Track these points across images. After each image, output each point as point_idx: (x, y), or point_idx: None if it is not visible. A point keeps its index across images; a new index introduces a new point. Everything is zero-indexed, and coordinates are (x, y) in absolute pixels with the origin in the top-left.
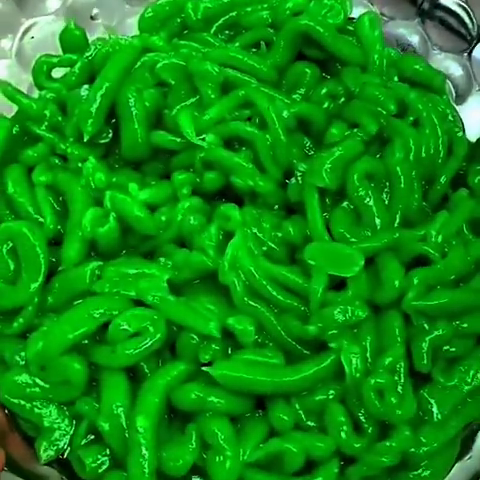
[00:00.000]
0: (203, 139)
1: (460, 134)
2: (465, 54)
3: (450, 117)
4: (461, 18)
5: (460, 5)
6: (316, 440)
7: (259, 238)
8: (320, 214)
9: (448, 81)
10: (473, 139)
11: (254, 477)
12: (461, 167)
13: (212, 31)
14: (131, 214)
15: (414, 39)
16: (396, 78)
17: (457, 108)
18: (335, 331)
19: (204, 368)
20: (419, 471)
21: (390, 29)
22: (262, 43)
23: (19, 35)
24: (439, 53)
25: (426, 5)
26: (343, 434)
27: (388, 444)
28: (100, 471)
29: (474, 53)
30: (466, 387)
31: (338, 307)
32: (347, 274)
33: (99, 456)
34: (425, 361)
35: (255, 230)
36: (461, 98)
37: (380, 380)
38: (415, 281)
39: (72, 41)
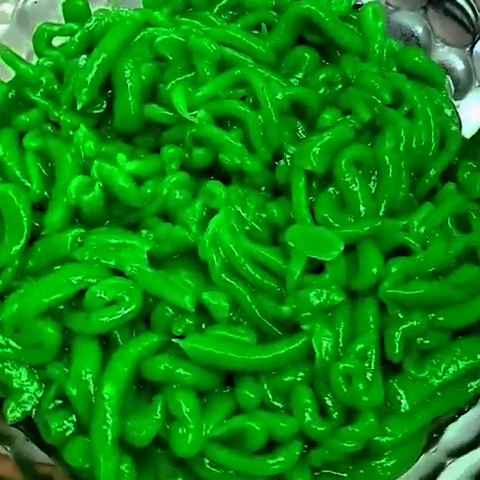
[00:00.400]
0: (195, 115)
1: (454, 129)
2: (467, 49)
3: (447, 112)
4: (465, 11)
5: None
6: (280, 420)
7: (242, 217)
8: (305, 197)
9: (448, 76)
10: (469, 135)
11: (215, 452)
12: (452, 162)
13: (215, 10)
14: (116, 184)
15: (418, 30)
16: (395, 69)
17: (456, 103)
18: (309, 313)
19: (174, 340)
20: (382, 460)
21: (395, 19)
22: (263, 25)
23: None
24: (442, 46)
25: None
26: (308, 416)
27: (351, 429)
28: (65, 436)
29: (476, 48)
30: (436, 381)
31: (314, 290)
32: (326, 258)
33: (65, 421)
34: (397, 350)
35: (239, 209)
36: (461, 93)
37: (349, 365)
38: (393, 270)
39: (74, 11)
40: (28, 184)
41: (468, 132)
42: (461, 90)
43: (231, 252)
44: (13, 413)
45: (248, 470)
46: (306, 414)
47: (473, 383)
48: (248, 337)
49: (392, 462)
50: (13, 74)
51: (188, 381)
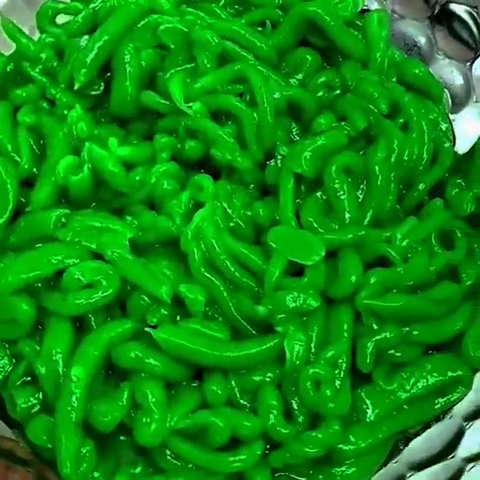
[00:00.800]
0: (190, 107)
1: (447, 145)
2: (468, 64)
3: (442, 127)
4: (469, 27)
5: (470, 13)
6: (244, 419)
7: (228, 213)
8: (292, 199)
9: (446, 90)
10: (462, 150)
11: (177, 444)
12: (442, 178)
13: (221, 3)
14: (106, 168)
15: (421, 40)
16: (395, 79)
17: (451, 117)
18: (284, 315)
19: (147, 329)
20: (343, 468)
21: (399, 27)
22: (268, 22)
23: None
24: (443, 58)
25: (437, 8)
26: (272, 418)
27: (314, 435)
28: (30, 413)
29: (476, 64)
30: (404, 394)
31: (291, 293)
32: (306, 262)
33: (31, 398)
34: (368, 361)
35: (225, 205)
36: (457, 107)
37: (319, 371)
38: (372, 280)
39: None
40: (18, 159)
41: (462, 147)
42: (458, 104)
43: (212, 247)
44: None
45: (208, 465)
46: (271, 415)
47: (441, 399)
48: (221, 333)
49: (352, 470)
50: (14, 49)
51: (157, 371)
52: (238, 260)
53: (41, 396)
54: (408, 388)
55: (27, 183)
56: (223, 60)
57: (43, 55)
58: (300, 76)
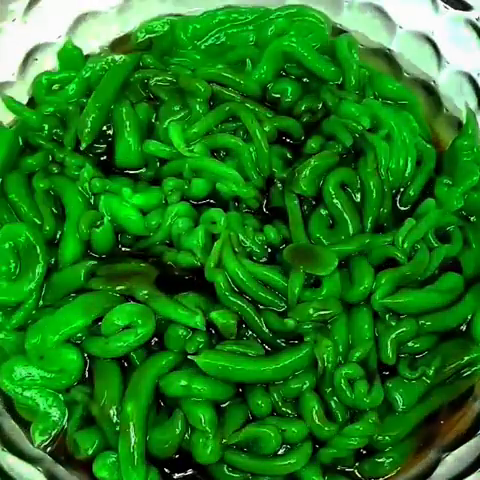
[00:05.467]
0: (192, 149)
1: (428, 147)
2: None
3: (419, 132)
4: None
5: None
6: (291, 425)
7: (242, 240)
8: (300, 218)
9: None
10: None
11: (233, 458)
12: (430, 178)
13: (202, 48)
14: (124, 217)
15: None
16: (371, 95)
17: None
18: (310, 325)
19: (190, 357)
20: (384, 456)
21: None
22: (248, 60)
23: None
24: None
25: None
26: (315, 419)
27: (355, 427)
28: (93, 453)
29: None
30: (427, 380)
31: (313, 303)
32: (322, 273)
33: (92, 440)
34: (390, 355)
35: (239, 232)
36: None
37: (350, 371)
38: (383, 281)
39: (70, 58)
40: (40, 222)
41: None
42: None
43: (235, 273)
44: (41, 436)
45: (265, 472)
46: (314, 417)
47: (461, 380)
48: (255, 350)
49: (393, 457)
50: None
51: (205, 394)
52: (260, 281)
53: (101, 436)
54: (430, 374)
55: (52, 242)
56: (212, 98)
57: (46, 125)
58: (285, 105)
